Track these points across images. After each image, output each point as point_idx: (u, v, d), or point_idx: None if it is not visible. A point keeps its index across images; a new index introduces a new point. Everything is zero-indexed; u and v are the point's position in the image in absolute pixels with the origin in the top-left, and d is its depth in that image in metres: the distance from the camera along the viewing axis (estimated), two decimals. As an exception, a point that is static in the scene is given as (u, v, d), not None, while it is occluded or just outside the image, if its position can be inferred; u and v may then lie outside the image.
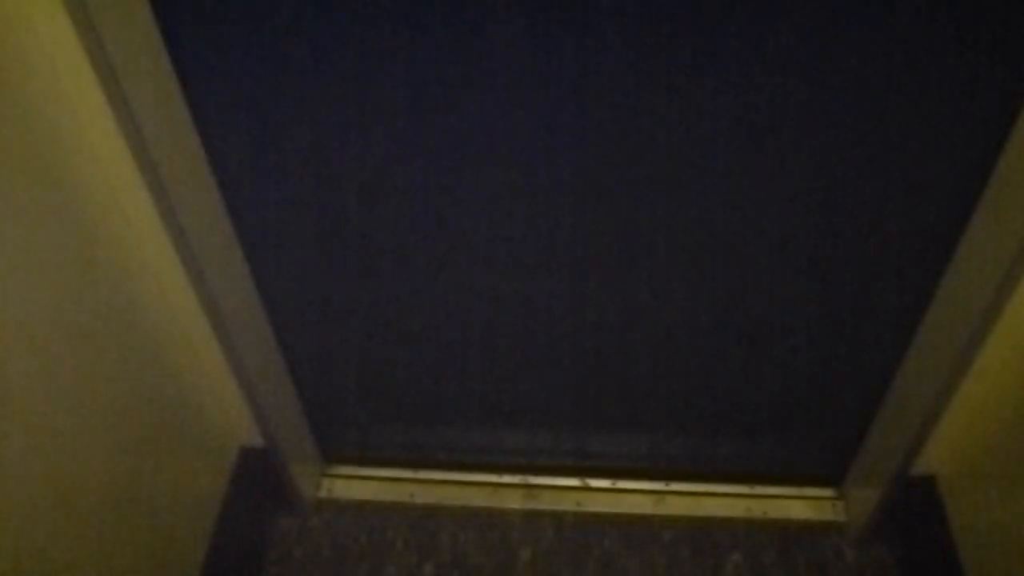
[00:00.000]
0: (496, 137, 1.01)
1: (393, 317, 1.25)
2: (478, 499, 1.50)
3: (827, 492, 1.47)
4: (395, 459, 1.53)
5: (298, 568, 1.44)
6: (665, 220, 1.08)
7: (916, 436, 1.18)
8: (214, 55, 0.93)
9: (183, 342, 1.17)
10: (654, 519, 1.46)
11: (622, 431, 1.45)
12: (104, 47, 0.82)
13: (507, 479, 1.51)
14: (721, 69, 0.92)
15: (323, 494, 1.52)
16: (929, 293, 1.10)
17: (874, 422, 1.31)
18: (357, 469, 1.54)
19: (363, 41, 0.92)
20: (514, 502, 1.49)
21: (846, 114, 0.94)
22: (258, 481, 1.39)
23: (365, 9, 0.89)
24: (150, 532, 1.12)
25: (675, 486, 1.49)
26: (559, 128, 0.99)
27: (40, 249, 0.87)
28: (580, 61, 0.92)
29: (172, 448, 1.18)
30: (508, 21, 0.89)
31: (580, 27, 0.89)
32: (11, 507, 0.85)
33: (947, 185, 0.99)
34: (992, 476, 1.18)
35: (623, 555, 1.42)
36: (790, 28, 0.88)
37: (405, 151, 1.03)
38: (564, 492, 1.50)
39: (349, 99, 0.98)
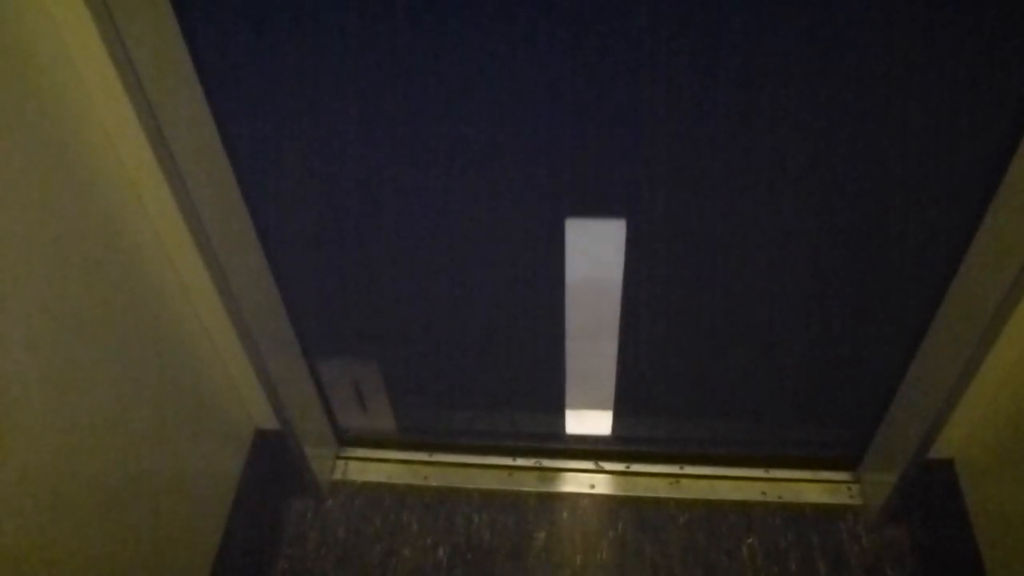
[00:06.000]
0: (505, 130, 1.00)
1: (407, 301, 1.25)
2: (493, 482, 1.50)
3: (843, 476, 1.46)
4: (410, 442, 1.54)
5: (313, 550, 1.44)
6: (686, 210, 1.07)
7: (934, 420, 1.17)
8: (233, 52, 0.93)
9: (200, 328, 1.17)
10: (669, 502, 1.46)
11: (637, 414, 1.45)
12: (125, 45, 0.82)
13: (521, 462, 1.52)
14: (744, 80, 0.93)
15: (338, 476, 1.52)
16: (947, 279, 1.09)
17: (892, 406, 1.30)
18: (372, 452, 1.55)
19: (373, 38, 0.91)
20: (529, 485, 1.49)
21: (870, 116, 0.95)
22: (274, 464, 1.40)
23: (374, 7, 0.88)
24: (167, 515, 1.13)
25: (690, 469, 1.49)
26: (568, 123, 0.99)
27: (61, 239, 0.87)
28: (583, 60, 0.92)
29: (189, 431, 1.18)
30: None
31: (584, 26, 0.89)
32: (35, 491, 0.85)
33: (963, 177, 0.99)
34: (1010, 460, 1.17)
35: (638, 538, 1.42)
36: (800, 34, 0.88)
37: (415, 143, 1.02)
38: (578, 475, 1.50)
39: (365, 92, 0.97)
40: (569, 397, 1.42)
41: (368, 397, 1.47)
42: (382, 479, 1.52)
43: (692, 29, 0.88)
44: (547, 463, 1.51)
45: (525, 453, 1.52)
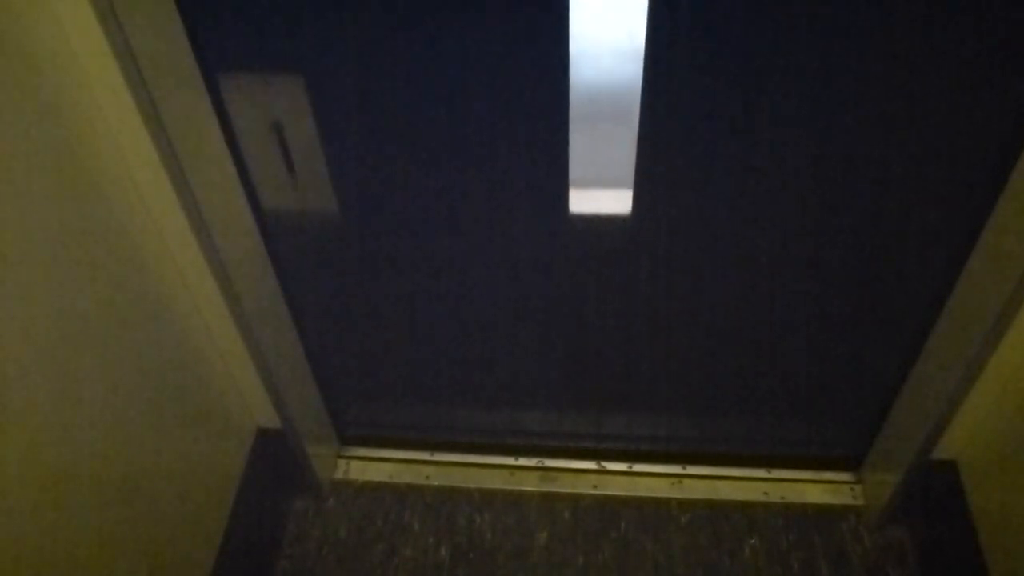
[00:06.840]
0: (506, 134, 1.00)
1: (409, 300, 1.25)
2: (495, 481, 1.50)
3: (845, 476, 1.46)
4: (411, 441, 1.53)
5: (314, 549, 1.44)
6: (689, 211, 1.07)
7: (937, 420, 1.17)
8: (237, 49, 0.93)
9: (202, 326, 1.17)
10: (671, 502, 1.46)
11: (639, 413, 1.45)
12: (129, 43, 0.81)
13: (523, 462, 1.51)
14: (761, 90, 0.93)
15: (339, 475, 1.52)
16: (951, 280, 1.09)
17: (895, 406, 1.30)
18: (373, 451, 1.55)
19: (373, 37, 0.91)
20: (531, 485, 1.49)
21: (878, 119, 0.95)
22: (275, 462, 1.40)
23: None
24: (168, 513, 1.13)
25: (692, 469, 1.48)
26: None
27: (63, 238, 0.87)
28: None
29: (191, 430, 1.18)
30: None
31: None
32: (35, 490, 0.85)
33: (967, 179, 0.99)
34: (1013, 461, 1.17)
35: (640, 538, 1.42)
36: (805, 36, 0.88)
37: (416, 142, 1.02)
38: (581, 475, 1.50)
39: (368, 94, 0.97)
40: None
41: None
42: (383, 478, 1.51)
43: (708, 30, 0.88)
44: (549, 463, 1.51)
45: (527, 452, 1.51)
